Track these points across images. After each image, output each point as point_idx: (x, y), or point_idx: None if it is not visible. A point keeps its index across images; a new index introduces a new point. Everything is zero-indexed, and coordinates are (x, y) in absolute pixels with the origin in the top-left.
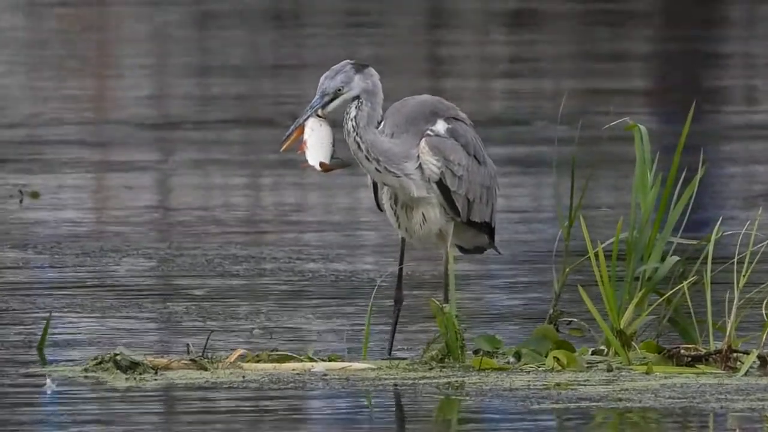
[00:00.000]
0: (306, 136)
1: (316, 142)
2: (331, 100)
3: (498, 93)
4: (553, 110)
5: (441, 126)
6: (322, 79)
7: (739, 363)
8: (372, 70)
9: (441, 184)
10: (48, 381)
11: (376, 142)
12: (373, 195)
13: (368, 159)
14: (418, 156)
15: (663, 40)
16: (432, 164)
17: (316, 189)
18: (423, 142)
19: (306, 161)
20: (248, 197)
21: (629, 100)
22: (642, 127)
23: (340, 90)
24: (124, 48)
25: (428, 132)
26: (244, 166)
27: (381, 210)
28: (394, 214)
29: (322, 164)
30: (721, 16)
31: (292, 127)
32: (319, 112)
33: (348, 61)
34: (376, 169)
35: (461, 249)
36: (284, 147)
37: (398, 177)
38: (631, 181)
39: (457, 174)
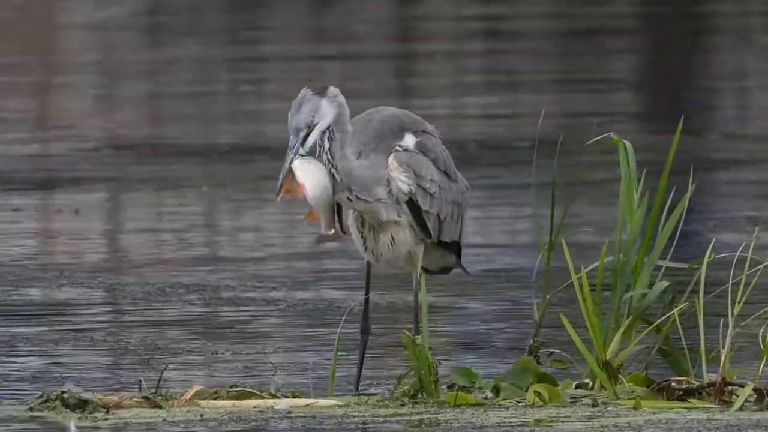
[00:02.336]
0: (300, 180)
1: (312, 181)
2: (307, 135)
3: (473, 111)
4: (530, 129)
5: (409, 140)
6: (289, 117)
7: (734, 396)
8: (334, 90)
9: (411, 204)
10: (72, 425)
11: (350, 169)
12: (336, 217)
13: (341, 189)
14: (388, 176)
15: (649, 58)
16: (401, 182)
17: (276, 215)
18: (392, 158)
19: (311, 209)
20: (203, 222)
21: (613, 119)
22: (627, 143)
23: (312, 121)
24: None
25: (396, 148)
26: (199, 189)
27: (344, 233)
28: (361, 236)
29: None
30: (709, 32)
31: (281, 174)
32: (301, 151)
33: (306, 88)
34: (348, 198)
35: (426, 270)
36: (280, 196)
37: (369, 203)
38: (615, 204)
39: (429, 191)
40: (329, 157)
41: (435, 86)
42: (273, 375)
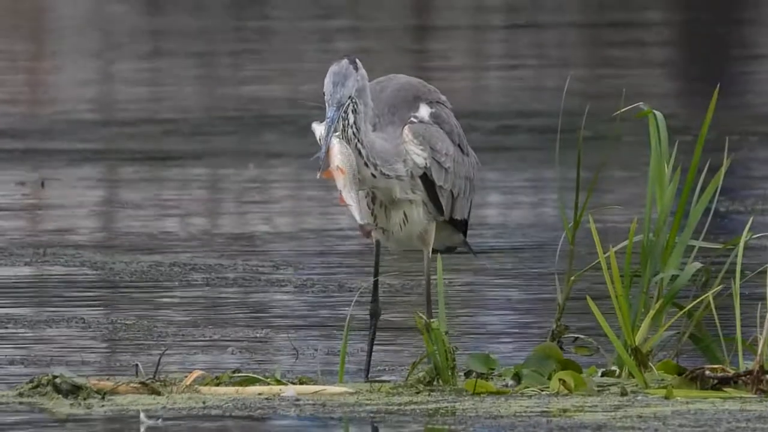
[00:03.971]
0: (337, 162)
1: (350, 171)
2: (346, 109)
3: (495, 79)
4: (554, 97)
5: (424, 111)
6: (329, 86)
7: None
8: (359, 62)
9: (425, 178)
10: (142, 415)
11: (373, 143)
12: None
13: (366, 165)
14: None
15: (684, 28)
16: (417, 155)
17: (283, 193)
18: (406, 129)
19: (341, 194)
20: (203, 198)
21: (644, 89)
22: (658, 114)
23: (353, 95)
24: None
25: (411, 119)
26: (201, 166)
27: (376, 227)
28: (372, 214)
29: (362, 227)
30: (749, 4)
31: (323, 149)
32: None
33: (346, 59)
34: (372, 174)
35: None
36: (322, 173)
37: (390, 178)
38: (645, 178)
39: (444, 166)
40: (354, 131)
41: (454, 59)
42: (296, 359)
